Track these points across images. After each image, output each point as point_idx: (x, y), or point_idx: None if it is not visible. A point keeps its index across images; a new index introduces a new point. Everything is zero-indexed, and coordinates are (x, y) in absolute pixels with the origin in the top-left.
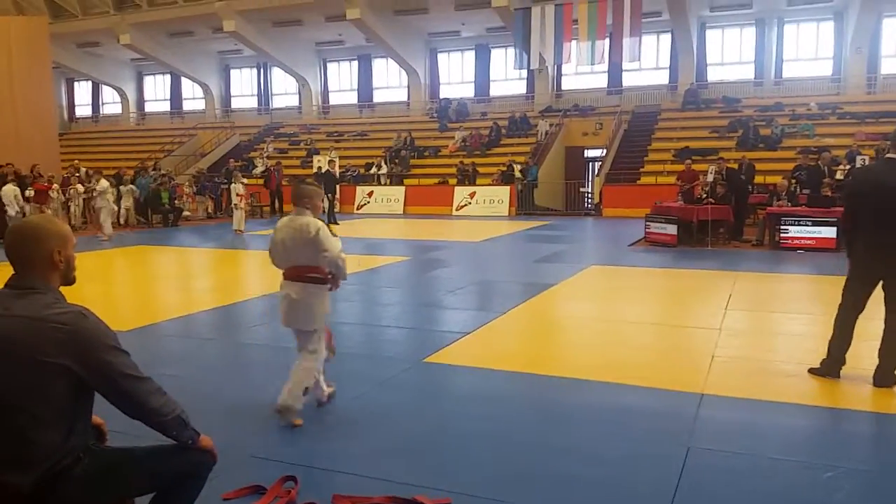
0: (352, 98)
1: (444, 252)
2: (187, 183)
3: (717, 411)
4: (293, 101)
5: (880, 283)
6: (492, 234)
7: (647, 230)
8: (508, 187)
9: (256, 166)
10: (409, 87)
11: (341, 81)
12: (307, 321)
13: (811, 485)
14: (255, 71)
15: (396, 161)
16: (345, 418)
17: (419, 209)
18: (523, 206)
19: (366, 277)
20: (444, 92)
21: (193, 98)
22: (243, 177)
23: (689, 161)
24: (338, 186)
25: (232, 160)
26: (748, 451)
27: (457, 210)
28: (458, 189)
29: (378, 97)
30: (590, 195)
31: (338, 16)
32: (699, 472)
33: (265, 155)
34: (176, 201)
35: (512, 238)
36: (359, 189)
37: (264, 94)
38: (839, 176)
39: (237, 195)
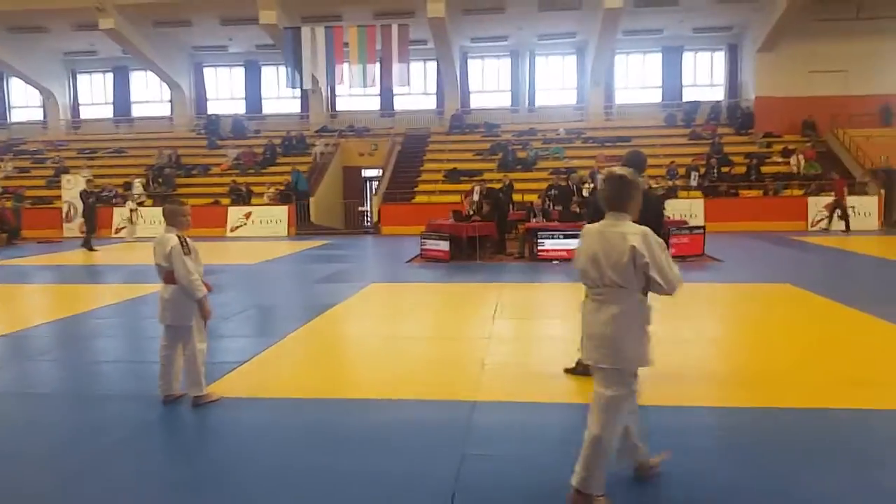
0: (107, 112)
1: (217, 276)
2: None
3: (488, 416)
4: (37, 114)
5: None
6: (270, 256)
7: (423, 247)
8: (287, 206)
9: None
10: (172, 101)
11: (94, 94)
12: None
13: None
14: None
15: (160, 180)
16: (105, 471)
17: (190, 231)
18: (302, 225)
19: (128, 308)
20: (213, 108)
21: None
22: None
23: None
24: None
25: None
26: (517, 453)
27: (231, 231)
28: (232, 209)
29: (137, 111)
30: (368, 214)
31: (89, 25)
32: (473, 478)
33: (2, 175)
34: None
35: (291, 259)
36: (231, 210)
37: (1, 108)
38: (585, 193)
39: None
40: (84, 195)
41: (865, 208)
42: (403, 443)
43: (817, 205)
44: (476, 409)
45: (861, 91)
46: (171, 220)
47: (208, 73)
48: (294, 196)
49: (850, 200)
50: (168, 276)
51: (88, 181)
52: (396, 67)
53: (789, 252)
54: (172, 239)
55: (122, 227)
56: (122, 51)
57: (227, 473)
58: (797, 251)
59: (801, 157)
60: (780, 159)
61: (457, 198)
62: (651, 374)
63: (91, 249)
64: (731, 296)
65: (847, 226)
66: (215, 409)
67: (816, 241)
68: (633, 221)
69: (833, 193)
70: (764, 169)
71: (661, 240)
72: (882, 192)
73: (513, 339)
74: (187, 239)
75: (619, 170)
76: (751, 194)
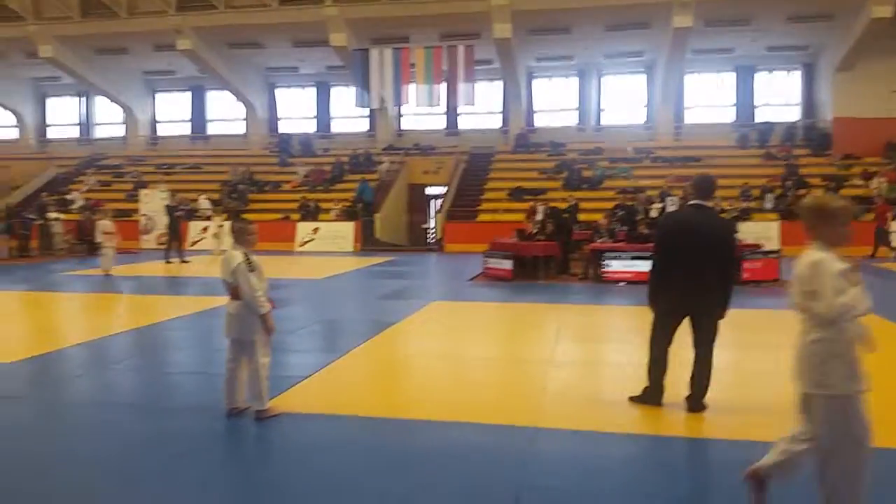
0: (184, 129)
1: (285, 290)
2: None
3: (549, 444)
4: (118, 131)
5: (687, 318)
6: (336, 271)
7: (486, 265)
8: (353, 223)
9: (74, 201)
10: (247, 120)
11: (172, 112)
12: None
13: None
14: (76, 99)
15: (234, 195)
16: (167, 479)
17: (260, 245)
18: (367, 241)
19: (201, 320)
20: (284, 127)
21: (4, 127)
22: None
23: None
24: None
25: (44, 194)
26: (578, 486)
27: (300, 246)
28: (300, 225)
29: (213, 129)
30: (432, 231)
31: (167, 45)
32: None
33: (86, 188)
34: None
35: (356, 274)
36: (300, 226)
37: (86, 124)
38: (654, 214)
39: (104, 233)
40: (170, 209)
41: None
42: (461, 468)
43: None
44: (537, 435)
45: None
46: (238, 237)
47: (281, 93)
48: (360, 208)
49: None
50: (234, 292)
51: (172, 195)
52: (462, 87)
53: (873, 279)
54: (238, 256)
55: (198, 241)
56: (198, 70)
57: (284, 490)
58: (880, 279)
59: (882, 179)
60: (859, 182)
61: (520, 216)
62: (720, 407)
63: (170, 261)
64: None
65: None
66: (276, 424)
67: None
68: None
69: (875, 219)
70: (843, 192)
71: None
72: None
73: (575, 364)
74: (251, 256)
75: (808, 198)
76: None
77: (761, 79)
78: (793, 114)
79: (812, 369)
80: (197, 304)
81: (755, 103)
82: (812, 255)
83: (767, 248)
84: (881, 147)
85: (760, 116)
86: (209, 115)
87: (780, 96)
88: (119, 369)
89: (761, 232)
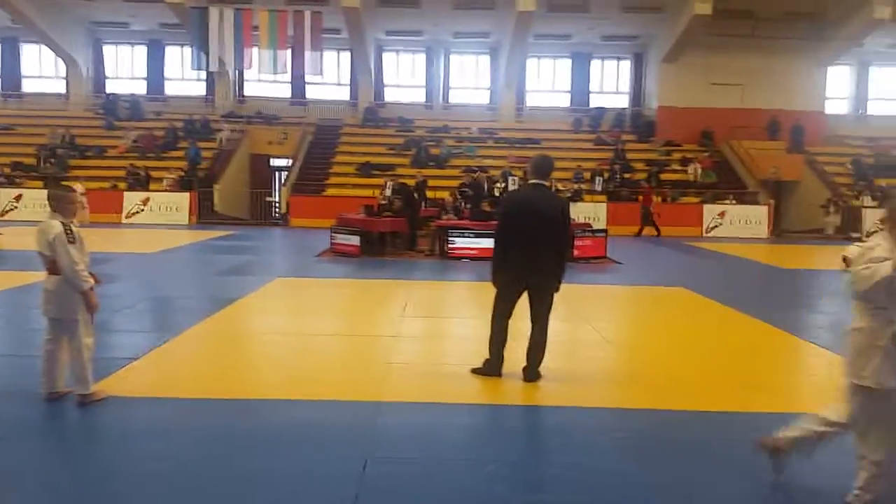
0: None
1: (111, 265)
2: None
3: (393, 418)
4: None
5: (525, 291)
6: (169, 245)
7: (333, 241)
8: (188, 194)
9: None
10: (67, 78)
11: None
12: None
13: (475, 479)
14: None
15: (52, 161)
16: None
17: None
18: (205, 214)
19: (12, 296)
20: (112, 87)
21: None
22: None
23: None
24: None
25: None
26: (422, 455)
27: (127, 217)
28: (128, 195)
29: (28, 87)
30: (277, 204)
31: None
32: (377, 480)
33: None
34: None
35: (192, 248)
36: (127, 196)
37: None
38: (496, 193)
39: None
40: None
41: (756, 217)
42: (305, 445)
43: (712, 212)
44: (381, 409)
45: (754, 105)
46: (57, 205)
47: (108, 50)
48: (193, 177)
49: (741, 209)
50: (51, 266)
51: None
52: (309, 55)
53: (684, 257)
54: (56, 226)
55: (10, 210)
56: (11, 21)
57: (112, 477)
58: (692, 256)
59: (698, 166)
60: (678, 167)
61: (368, 192)
62: (554, 376)
63: None
64: (630, 298)
65: (658, 231)
66: (102, 409)
67: (709, 247)
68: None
69: (642, 201)
70: (663, 176)
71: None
72: (772, 202)
73: (420, 338)
74: (72, 226)
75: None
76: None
77: (596, 66)
78: (622, 101)
79: (850, 358)
80: (10, 279)
81: (590, 90)
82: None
83: (596, 227)
84: (698, 135)
85: (594, 102)
86: (24, 70)
87: (612, 84)
88: None
89: (591, 212)
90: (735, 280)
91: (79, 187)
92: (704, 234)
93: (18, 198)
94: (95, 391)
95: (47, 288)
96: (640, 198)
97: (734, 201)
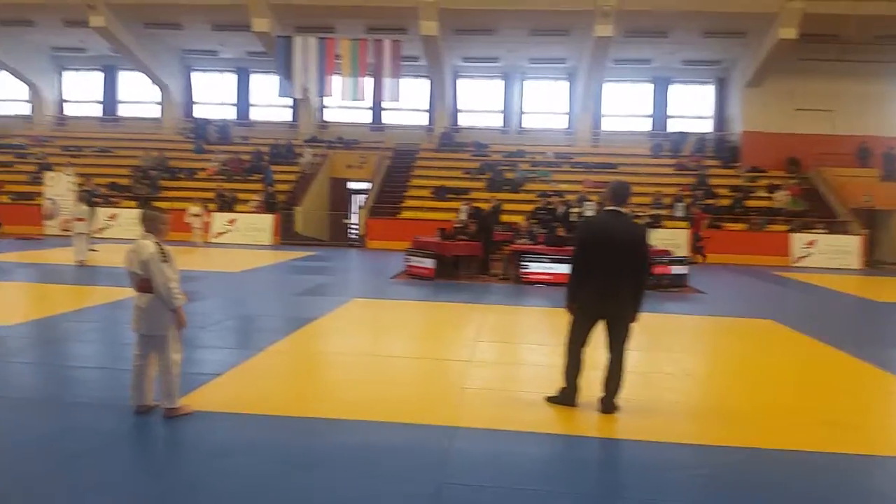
0: (94, 110)
1: (198, 283)
2: None
3: (466, 443)
4: (23, 109)
5: (602, 321)
6: (253, 265)
7: (408, 263)
8: (272, 215)
9: None
10: (161, 103)
11: (81, 92)
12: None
13: None
14: None
15: (145, 182)
16: (68, 479)
17: (172, 235)
18: (287, 235)
19: (106, 312)
20: (201, 112)
21: None
22: None
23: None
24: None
25: None
26: (494, 483)
27: (215, 238)
28: (217, 216)
29: (125, 111)
30: (354, 227)
31: (79, 21)
32: None
33: None
34: None
35: (274, 269)
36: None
37: None
38: (572, 218)
39: (76, 219)
40: (89, 195)
41: (847, 247)
42: (379, 468)
43: (800, 241)
44: (455, 434)
45: (844, 131)
46: (150, 225)
47: (198, 77)
48: (274, 199)
49: (832, 239)
50: (142, 285)
51: (88, 180)
52: (388, 82)
53: (772, 287)
54: (150, 246)
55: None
56: (111, 49)
57: (194, 491)
58: (779, 286)
59: (787, 192)
60: (764, 194)
61: (443, 215)
62: (631, 408)
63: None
64: (713, 329)
65: (704, 256)
66: (187, 423)
67: (799, 278)
68: None
69: (692, 227)
70: (748, 203)
71: None
72: (865, 231)
73: (494, 364)
74: (164, 246)
75: None
76: (735, 227)
77: (676, 90)
78: (705, 126)
79: None
80: (103, 295)
81: (669, 114)
82: None
83: (676, 254)
84: (784, 161)
85: (674, 127)
86: (121, 96)
87: (693, 108)
88: (16, 362)
89: (671, 239)
90: (826, 313)
91: (195, 209)
92: (792, 264)
93: (113, 217)
94: (181, 405)
95: (138, 305)
96: (692, 223)
97: (825, 230)
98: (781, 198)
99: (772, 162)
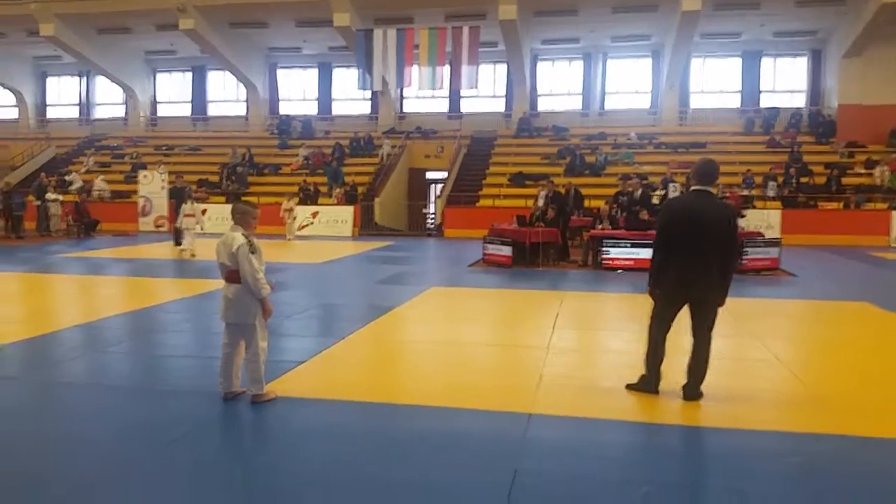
0: (184, 110)
1: (282, 274)
2: None
3: (544, 431)
4: (119, 111)
5: (686, 305)
6: (334, 256)
7: (485, 251)
8: (352, 207)
9: (72, 182)
10: (247, 101)
11: (173, 93)
12: (240, 316)
13: (629, 500)
14: (76, 79)
15: (233, 178)
16: (161, 464)
17: (259, 229)
18: (367, 226)
19: (195, 303)
20: (285, 108)
21: (4, 106)
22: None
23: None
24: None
25: (43, 174)
26: (572, 472)
27: (299, 230)
28: (300, 209)
29: (213, 110)
30: (432, 216)
31: (170, 25)
32: (525, 494)
33: (84, 169)
34: None
35: (354, 259)
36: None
37: (86, 104)
38: (655, 201)
39: (185, 215)
40: (182, 192)
41: None
42: (456, 454)
43: None
44: (532, 422)
45: None
46: (240, 219)
47: (282, 73)
48: (355, 196)
49: None
50: (231, 275)
51: (180, 177)
52: (465, 69)
53: (869, 268)
54: (239, 238)
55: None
56: (199, 50)
57: (279, 474)
58: (877, 268)
59: (885, 168)
60: (862, 170)
61: (521, 202)
62: (716, 396)
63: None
64: (804, 313)
65: None
66: (273, 408)
67: None
68: None
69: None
70: (845, 180)
71: None
72: None
73: (573, 351)
74: (252, 238)
75: None
76: (830, 206)
77: (768, 64)
78: (798, 100)
79: None
80: (192, 287)
81: (761, 89)
82: None
83: (768, 236)
84: (886, 135)
85: (766, 102)
86: (210, 95)
87: (786, 82)
88: (114, 352)
89: (763, 220)
90: None
91: (288, 203)
92: (892, 244)
93: (204, 212)
94: (267, 392)
95: (227, 295)
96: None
97: None
98: (881, 174)
99: (871, 136)
